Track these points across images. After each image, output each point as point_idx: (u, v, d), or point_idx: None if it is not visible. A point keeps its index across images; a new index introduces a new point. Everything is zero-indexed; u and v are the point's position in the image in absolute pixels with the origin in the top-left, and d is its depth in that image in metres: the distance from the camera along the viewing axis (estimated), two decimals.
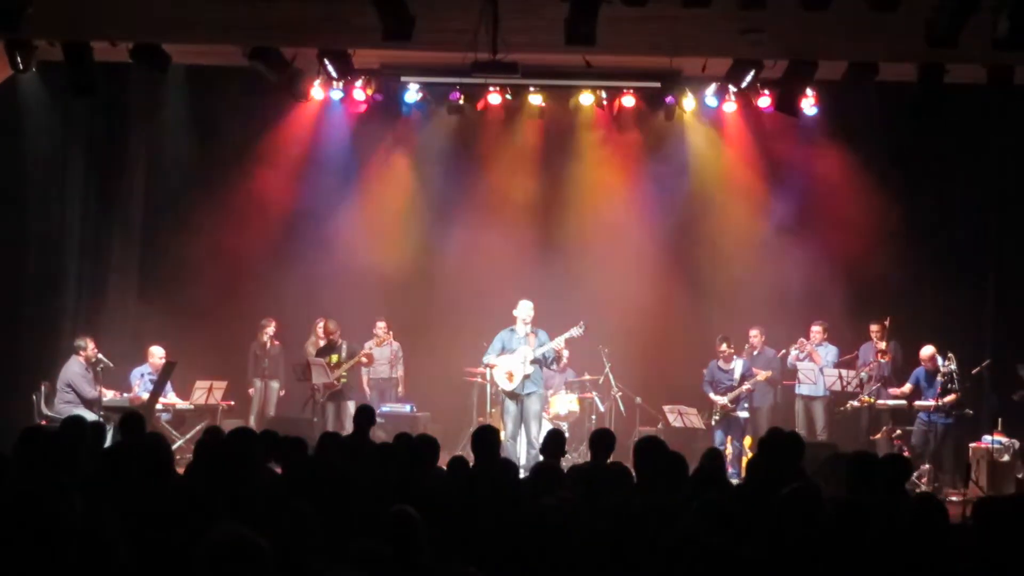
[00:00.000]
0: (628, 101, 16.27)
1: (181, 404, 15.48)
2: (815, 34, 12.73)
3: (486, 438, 8.89)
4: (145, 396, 14.94)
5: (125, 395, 15.03)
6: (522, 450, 14.48)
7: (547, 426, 14.42)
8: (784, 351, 16.13)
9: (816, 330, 15.99)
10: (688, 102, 16.07)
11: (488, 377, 15.59)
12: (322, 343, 16.43)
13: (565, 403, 15.98)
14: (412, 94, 16.29)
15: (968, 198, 16.63)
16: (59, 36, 13.29)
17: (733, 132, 17.24)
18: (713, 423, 15.54)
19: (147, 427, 10.16)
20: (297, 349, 16.82)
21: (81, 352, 14.73)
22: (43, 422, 14.21)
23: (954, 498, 13.43)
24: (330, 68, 13.97)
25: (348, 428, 13.36)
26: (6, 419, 13.41)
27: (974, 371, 14.98)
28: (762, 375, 15.52)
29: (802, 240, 16.88)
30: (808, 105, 15.60)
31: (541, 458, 9.50)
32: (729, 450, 15.18)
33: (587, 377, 16.28)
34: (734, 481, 11.24)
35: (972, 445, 14.53)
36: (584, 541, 5.39)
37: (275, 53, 13.63)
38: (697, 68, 14.78)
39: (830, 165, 16.93)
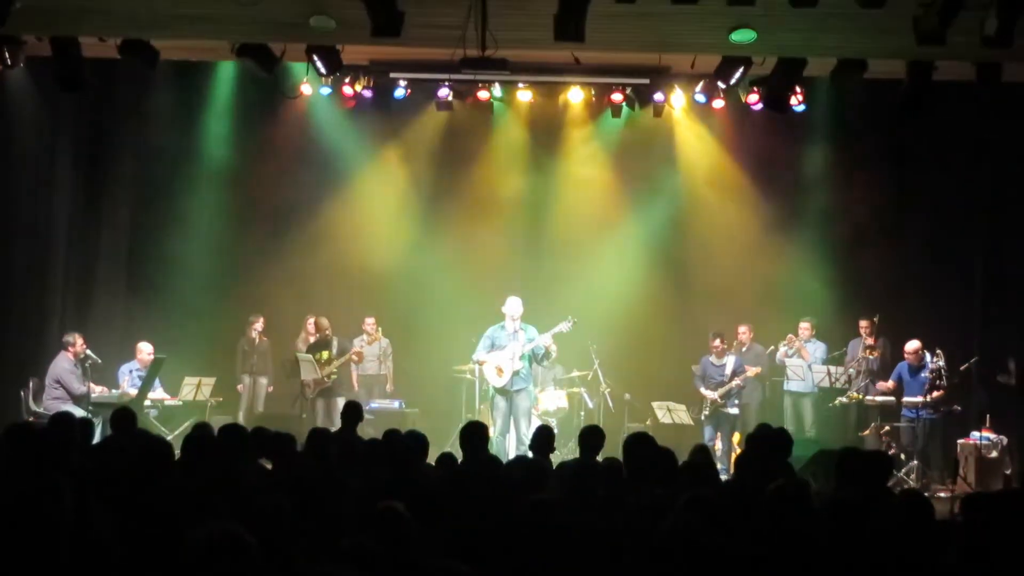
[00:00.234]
0: (617, 98, 16.26)
1: (169, 400, 15.46)
2: (803, 31, 12.74)
3: (474, 434, 8.89)
4: (133, 392, 14.93)
5: (114, 391, 15.02)
6: (512, 447, 14.48)
7: (536, 422, 14.41)
8: (773, 347, 16.15)
9: (804, 327, 16.02)
10: (677, 99, 16.07)
11: (477, 374, 15.59)
12: (312, 340, 16.42)
13: (554, 399, 15.98)
14: (401, 90, 16.26)
15: (957, 195, 16.64)
16: (47, 31, 13.26)
17: (722, 129, 17.25)
18: (703, 418, 15.55)
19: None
20: (286, 345, 16.82)
21: (70, 348, 14.71)
22: (31, 418, 14.18)
23: (942, 494, 13.47)
24: (319, 64, 13.94)
25: (338, 425, 13.35)
26: None
27: (962, 367, 15.00)
28: (752, 371, 15.54)
29: (791, 236, 16.92)
30: (796, 102, 15.60)
31: (530, 454, 9.51)
32: (718, 446, 15.20)
33: (576, 373, 16.28)
34: (723, 477, 11.26)
35: (960, 441, 14.57)
36: (573, 537, 5.39)
37: (263, 49, 13.62)
38: (686, 65, 14.82)
39: (818, 162, 16.98)
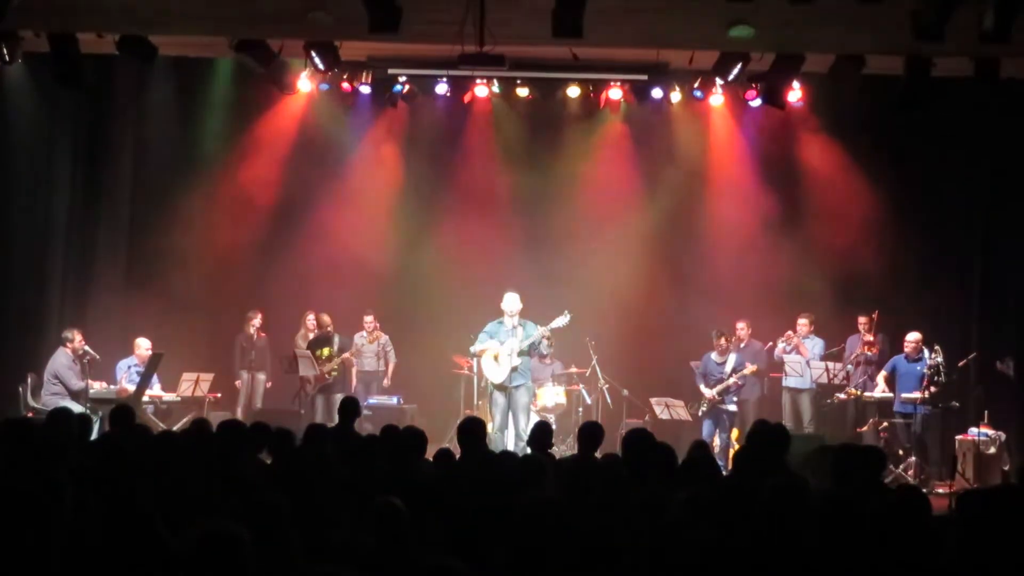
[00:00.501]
0: (615, 94, 16.27)
1: (168, 396, 15.46)
2: (801, 27, 12.75)
3: (472, 430, 8.89)
4: (131, 388, 14.92)
5: (112, 387, 15.01)
6: (510, 442, 14.48)
7: (535, 418, 14.40)
8: (771, 344, 16.15)
9: (803, 323, 16.00)
10: (675, 95, 16.09)
11: (476, 369, 15.59)
12: (311, 336, 16.43)
13: (552, 395, 15.97)
14: (399, 86, 16.26)
15: (955, 191, 16.64)
16: (45, 27, 13.26)
17: (720, 125, 17.24)
18: (700, 414, 15.54)
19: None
20: (284, 341, 16.81)
21: (68, 344, 14.70)
22: (29, 414, 14.19)
23: (940, 490, 13.50)
24: (317, 60, 13.95)
25: (336, 421, 13.37)
26: None
27: (960, 363, 15.00)
28: (748, 370, 15.52)
29: (789, 233, 16.90)
30: (795, 98, 15.61)
31: (528, 451, 9.50)
32: (717, 442, 15.20)
33: (574, 370, 16.27)
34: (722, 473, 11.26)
35: (958, 437, 14.56)
36: (571, 533, 5.39)
37: (261, 45, 13.62)
38: (684, 61, 14.81)
39: (817, 158, 16.97)
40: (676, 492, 6.18)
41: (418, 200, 17.50)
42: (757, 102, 15.42)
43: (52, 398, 14.28)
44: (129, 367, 15.31)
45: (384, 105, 16.79)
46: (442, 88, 15.99)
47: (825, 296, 16.52)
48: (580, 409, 16.05)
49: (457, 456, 8.85)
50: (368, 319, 16.60)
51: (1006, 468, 14.23)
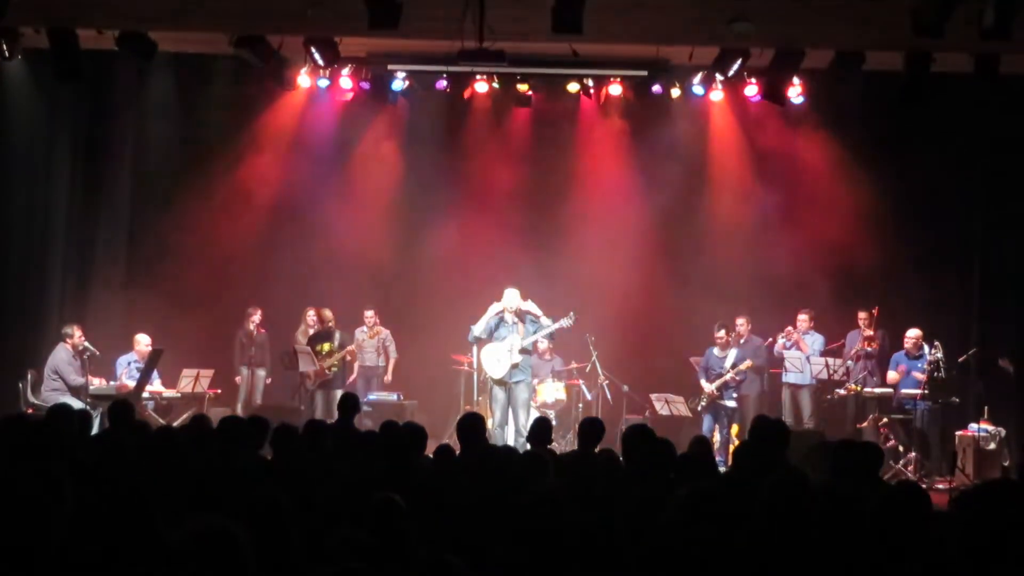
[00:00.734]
0: (615, 90, 16.28)
1: (168, 392, 15.45)
2: (802, 23, 12.74)
3: (471, 426, 8.89)
4: (131, 384, 14.92)
5: (112, 383, 15.01)
6: (510, 438, 14.49)
7: (535, 414, 14.41)
8: (771, 339, 16.14)
9: (803, 318, 15.99)
10: (675, 91, 16.08)
11: (475, 365, 15.59)
12: (312, 331, 16.43)
13: (552, 391, 15.96)
14: (399, 82, 16.26)
15: (955, 187, 16.64)
16: (44, 23, 13.26)
17: (720, 121, 17.24)
18: (699, 409, 15.53)
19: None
20: (284, 337, 16.81)
21: (68, 340, 14.71)
22: (29, 410, 14.20)
23: (940, 486, 13.50)
24: (316, 56, 13.96)
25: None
26: None
27: (960, 359, 15.00)
28: (744, 365, 15.49)
29: (789, 228, 16.90)
30: (795, 94, 15.61)
31: (528, 447, 9.50)
32: (717, 438, 15.20)
33: (574, 365, 16.27)
34: (721, 469, 11.26)
35: (958, 433, 14.56)
36: (571, 529, 5.39)
37: (261, 41, 13.62)
38: (684, 57, 14.82)
39: (817, 154, 16.97)
40: (675, 487, 6.19)
41: (418, 196, 17.49)
42: (757, 98, 15.42)
43: (52, 394, 14.29)
44: (129, 363, 15.31)
45: (384, 101, 16.79)
46: (442, 84, 15.99)
47: (825, 292, 16.52)
48: (580, 405, 16.06)
49: (457, 452, 8.85)
50: (369, 314, 16.59)
51: (1006, 464, 14.23)
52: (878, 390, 15.14)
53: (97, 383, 14.85)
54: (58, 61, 13.51)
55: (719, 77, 15.06)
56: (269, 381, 16.86)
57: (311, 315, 16.62)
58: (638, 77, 15.87)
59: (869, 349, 15.41)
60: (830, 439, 11.58)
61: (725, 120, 17.20)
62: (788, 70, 14.03)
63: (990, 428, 14.39)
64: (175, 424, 14.54)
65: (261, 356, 16.74)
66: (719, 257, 17.10)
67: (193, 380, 15.31)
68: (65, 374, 14.56)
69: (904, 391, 14.80)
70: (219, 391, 15.85)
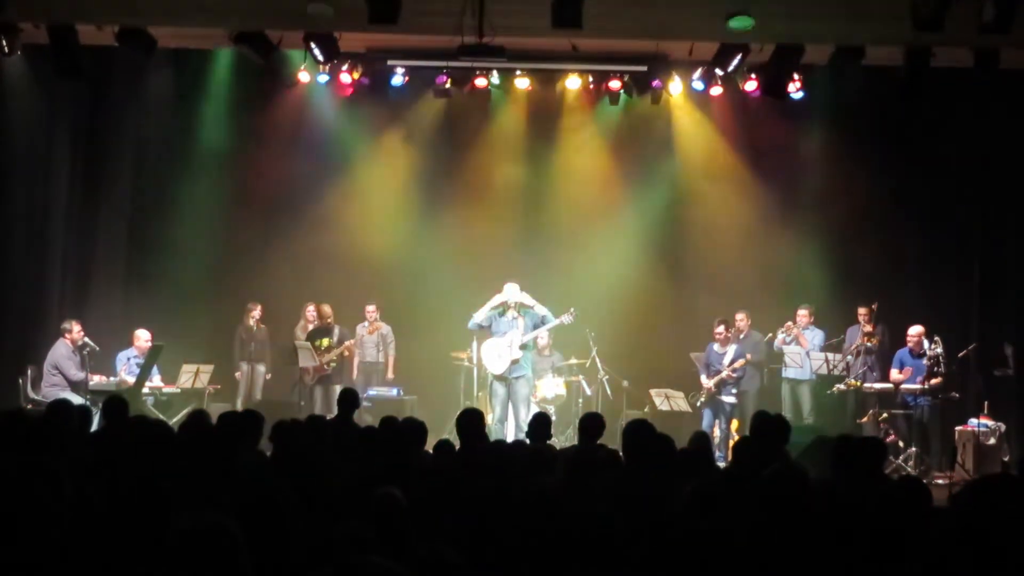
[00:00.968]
0: (615, 85, 16.25)
1: (167, 388, 15.46)
2: (801, 18, 12.74)
3: (470, 421, 8.89)
4: (131, 380, 14.92)
5: (112, 379, 15.01)
6: (511, 434, 14.49)
7: (535, 409, 14.41)
8: (771, 335, 16.13)
9: (803, 313, 15.98)
10: (675, 86, 16.06)
11: (475, 361, 15.59)
12: (311, 327, 16.43)
13: (552, 387, 15.96)
14: (398, 78, 16.25)
15: (955, 181, 16.62)
16: (44, 19, 13.25)
17: (720, 116, 17.22)
18: (699, 404, 15.51)
19: (132, 411, 10.11)
20: (284, 333, 16.81)
21: (67, 334, 14.70)
22: (29, 405, 14.20)
23: (940, 481, 13.49)
24: (316, 52, 13.94)
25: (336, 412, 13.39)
26: None
27: (960, 354, 14.99)
28: (740, 362, 15.45)
29: (789, 223, 16.92)
30: (794, 89, 15.59)
31: (528, 442, 9.50)
32: (717, 433, 15.20)
33: (574, 361, 16.26)
34: (721, 464, 11.27)
35: (958, 428, 14.55)
36: (571, 524, 5.39)
37: (261, 37, 13.61)
38: (684, 52, 14.81)
39: (817, 149, 16.98)
40: (676, 483, 6.18)
41: (417, 192, 17.49)
42: (757, 93, 15.41)
43: (51, 389, 14.29)
44: (129, 359, 15.31)
45: (383, 97, 16.78)
46: (442, 79, 15.97)
47: (825, 287, 16.53)
48: (580, 400, 16.06)
49: (457, 448, 8.85)
50: (371, 308, 16.57)
51: (1006, 459, 14.22)
52: (878, 385, 15.13)
53: (97, 379, 14.84)
54: (58, 57, 13.51)
55: (719, 72, 15.03)
56: (269, 377, 16.86)
57: (310, 310, 16.62)
58: (638, 72, 15.85)
59: (869, 344, 15.39)
60: (830, 434, 11.57)
61: (725, 115, 17.19)
62: (788, 65, 14.02)
63: (990, 423, 14.39)
64: (174, 420, 14.57)
65: (261, 352, 16.74)
66: (719, 252, 17.10)
67: (193, 376, 15.32)
68: (65, 369, 14.56)
69: (905, 387, 14.78)
70: (219, 387, 15.87)
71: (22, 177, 15.98)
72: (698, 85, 15.88)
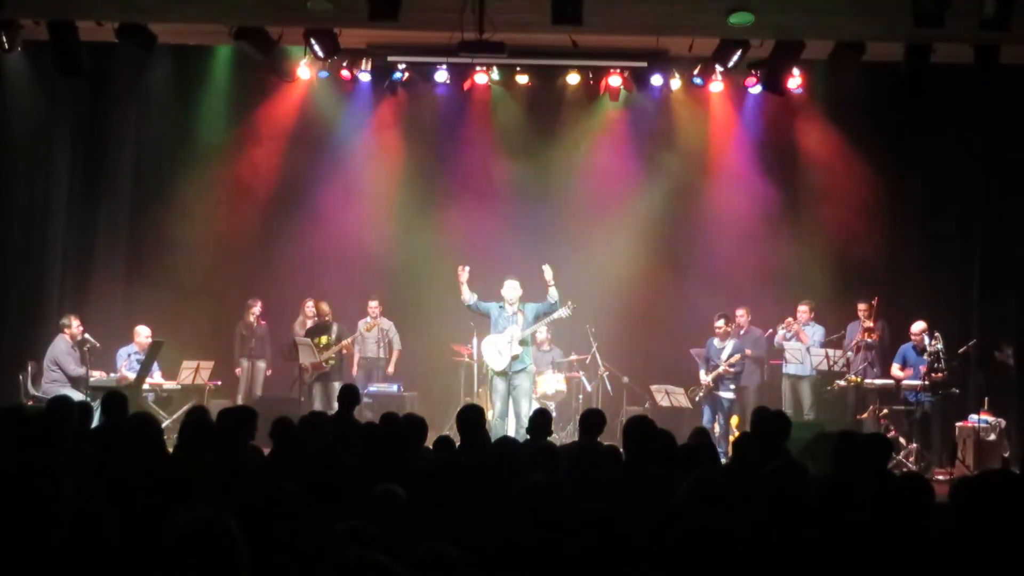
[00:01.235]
0: (615, 81, 16.26)
1: (168, 384, 15.46)
2: (801, 14, 12.73)
3: (470, 417, 8.89)
4: (132, 376, 14.91)
5: (112, 375, 15.00)
6: (511, 429, 14.48)
7: (536, 405, 14.39)
8: (771, 331, 16.13)
9: (803, 309, 15.98)
10: (675, 82, 16.08)
11: (476, 356, 15.59)
12: (310, 323, 16.42)
13: (552, 383, 15.96)
14: (399, 74, 16.25)
15: (955, 177, 16.62)
16: (44, 15, 13.24)
17: (720, 112, 17.24)
18: (698, 399, 15.49)
19: (132, 407, 10.11)
20: (284, 329, 16.82)
21: (66, 330, 14.68)
22: (29, 402, 14.20)
23: (940, 477, 13.51)
24: (316, 48, 13.95)
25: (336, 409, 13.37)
26: None
27: (960, 350, 14.98)
28: (736, 356, 15.42)
29: (788, 219, 16.93)
30: (795, 85, 15.60)
31: (528, 438, 9.50)
32: (716, 429, 15.19)
33: (574, 357, 16.27)
34: (721, 460, 11.25)
35: (958, 424, 14.54)
36: (571, 520, 5.39)
37: (261, 32, 13.60)
38: (684, 48, 14.81)
39: (816, 145, 16.97)
40: (676, 478, 6.18)
41: (417, 188, 17.49)
42: (757, 89, 15.42)
43: (52, 386, 14.28)
44: (129, 355, 15.30)
45: (383, 93, 16.80)
46: (442, 75, 15.98)
47: (825, 283, 16.52)
48: (580, 396, 16.06)
49: (457, 444, 8.85)
50: (373, 304, 16.58)
51: (1006, 455, 14.23)
52: (878, 381, 15.13)
53: (97, 375, 14.84)
54: (58, 54, 13.49)
55: (719, 68, 15.03)
56: (269, 373, 16.87)
57: (310, 307, 16.61)
58: (638, 68, 15.86)
59: (869, 340, 15.40)
60: (830, 430, 11.58)
61: (725, 111, 17.21)
62: (788, 61, 14.02)
63: (990, 419, 14.38)
64: (174, 416, 14.57)
65: (261, 348, 16.76)
66: (719, 248, 17.10)
67: (193, 372, 15.32)
68: (64, 364, 14.55)
69: (906, 383, 14.77)
70: (219, 383, 15.87)
71: (22, 173, 16.00)
72: (698, 81, 15.88)
